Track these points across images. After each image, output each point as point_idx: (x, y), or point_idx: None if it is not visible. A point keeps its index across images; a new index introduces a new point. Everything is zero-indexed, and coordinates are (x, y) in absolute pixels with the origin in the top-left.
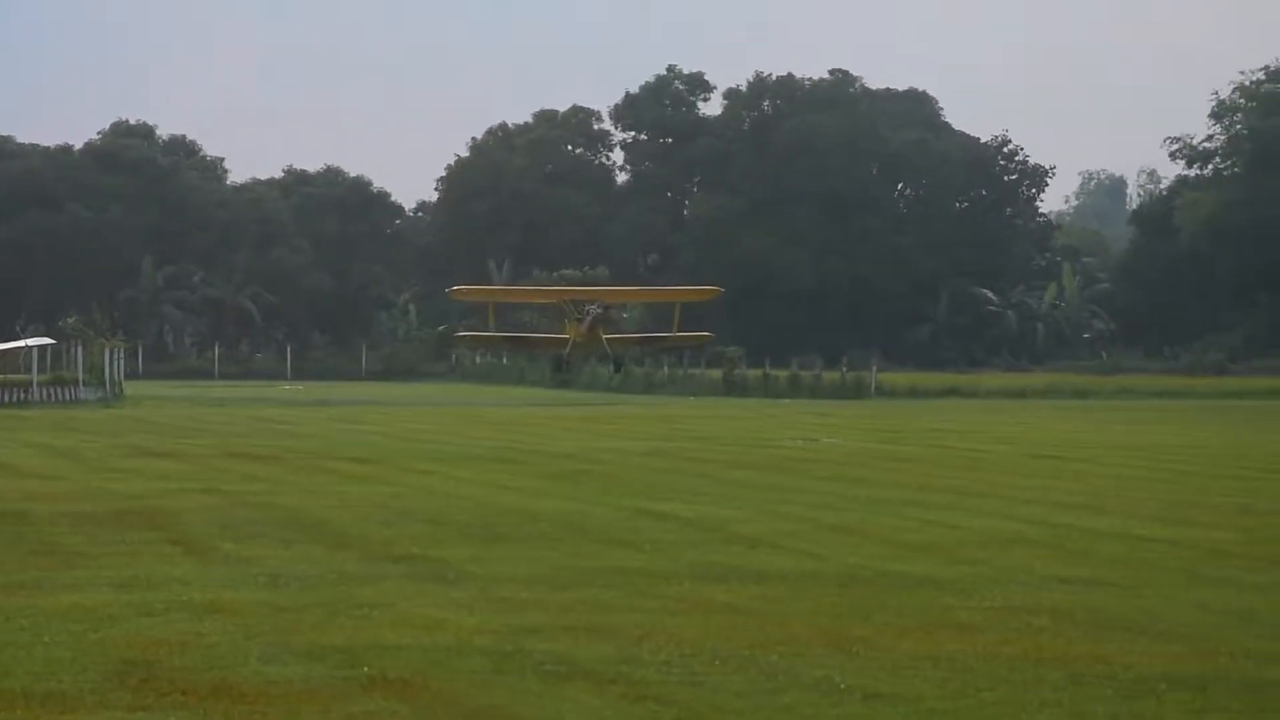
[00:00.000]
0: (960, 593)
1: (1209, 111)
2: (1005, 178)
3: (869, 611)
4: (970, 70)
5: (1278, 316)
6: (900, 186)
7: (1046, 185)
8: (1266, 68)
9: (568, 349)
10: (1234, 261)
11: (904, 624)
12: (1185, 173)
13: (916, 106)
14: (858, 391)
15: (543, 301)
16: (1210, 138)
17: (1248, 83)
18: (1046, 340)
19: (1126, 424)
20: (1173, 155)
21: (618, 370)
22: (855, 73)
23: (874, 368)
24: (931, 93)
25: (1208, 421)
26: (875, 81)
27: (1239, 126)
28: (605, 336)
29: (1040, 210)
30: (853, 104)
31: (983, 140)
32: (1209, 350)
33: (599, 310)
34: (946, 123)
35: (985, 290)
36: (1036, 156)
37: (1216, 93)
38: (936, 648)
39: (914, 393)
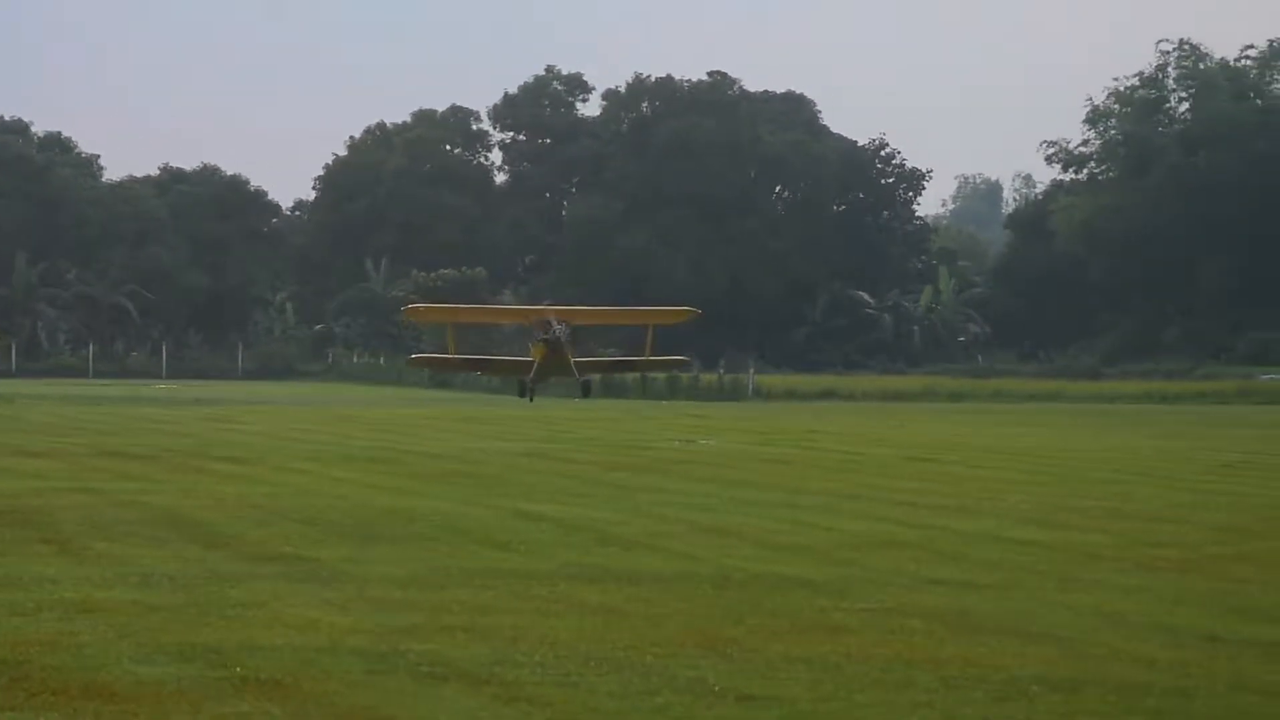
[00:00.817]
0: (834, 594)
1: (1083, 117)
2: (882, 181)
3: (743, 613)
4: (848, 73)
5: (1150, 320)
6: (778, 189)
7: (923, 189)
8: (1140, 73)
9: (532, 373)
10: (1108, 266)
11: (777, 625)
12: (1060, 177)
13: (795, 109)
14: (735, 393)
15: (506, 322)
16: (1085, 142)
17: (1122, 88)
18: (922, 343)
19: (1000, 427)
20: (1048, 159)
21: (586, 395)
22: (734, 75)
23: (751, 369)
24: (810, 95)
25: (1080, 425)
26: (754, 84)
27: (1113, 131)
28: (574, 360)
29: (917, 214)
30: (731, 106)
31: (860, 143)
32: (1082, 354)
33: (565, 331)
34: (824, 125)
35: (862, 293)
36: (913, 160)
37: (1090, 98)
38: (809, 649)
39: (791, 395)
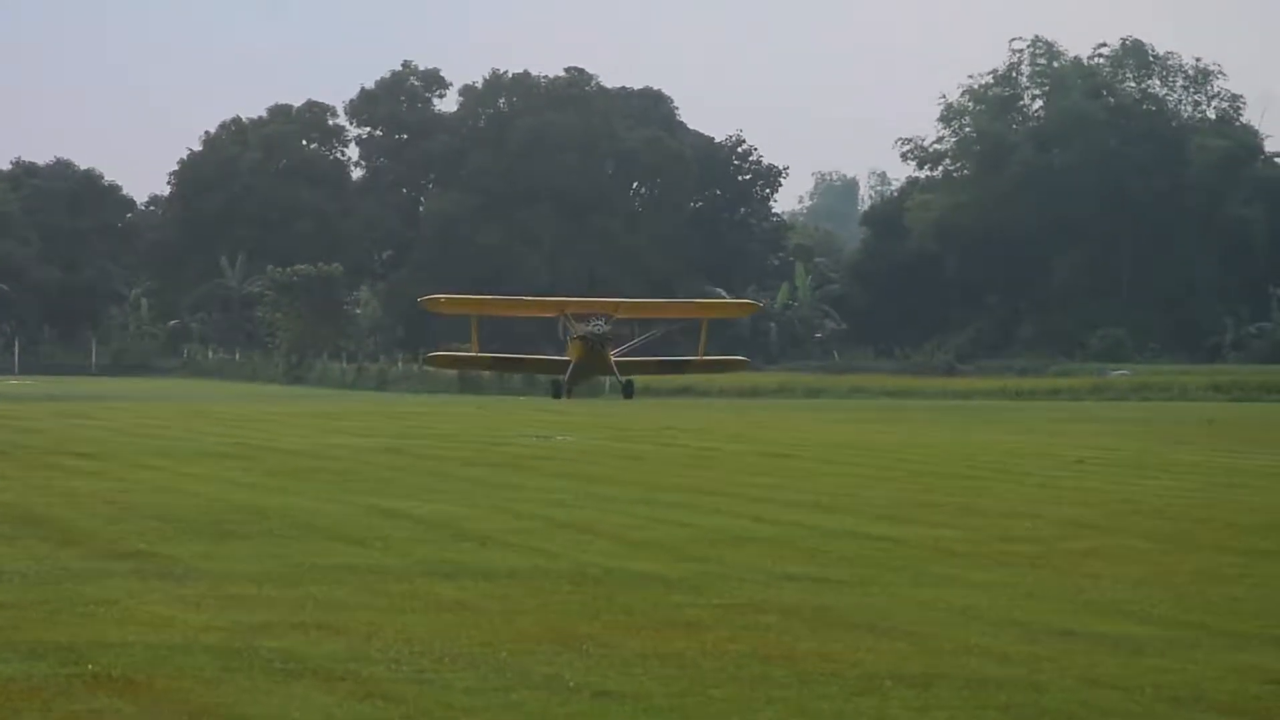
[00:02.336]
0: (689, 590)
1: (938, 114)
2: (739, 178)
3: (598, 609)
4: (705, 70)
5: (1004, 317)
6: (635, 185)
7: (780, 185)
8: (994, 71)
9: (568, 372)
10: (962, 262)
11: (633, 622)
12: (915, 174)
13: (651, 105)
14: (592, 390)
15: (538, 315)
16: (940, 140)
17: (975, 85)
18: (779, 340)
19: (857, 423)
20: (903, 156)
21: (628, 398)
22: (591, 71)
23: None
24: (667, 92)
25: (936, 421)
26: (611, 80)
27: (967, 129)
28: (614, 359)
29: (774, 210)
30: (588, 102)
31: (717, 140)
32: (938, 351)
33: (604, 326)
34: (681, 122)
35: (719, 289)
36: (770, 157)
37: (944, 95)
38: (664, 645)
39: (648, 391)
